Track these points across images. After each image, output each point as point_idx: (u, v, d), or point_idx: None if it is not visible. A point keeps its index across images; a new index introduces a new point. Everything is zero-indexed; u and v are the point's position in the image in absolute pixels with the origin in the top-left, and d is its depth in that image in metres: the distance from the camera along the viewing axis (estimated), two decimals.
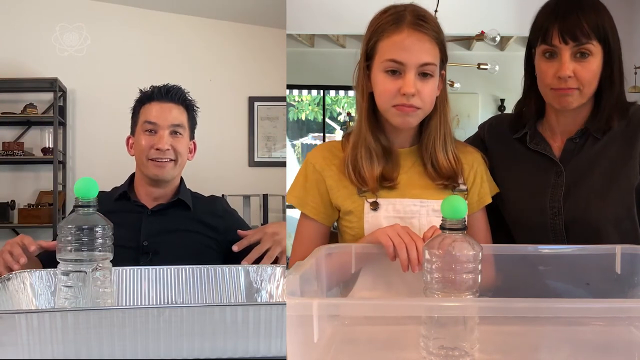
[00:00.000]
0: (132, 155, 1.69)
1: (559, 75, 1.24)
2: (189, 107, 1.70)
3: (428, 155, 1.30)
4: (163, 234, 1.60)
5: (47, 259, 1.47)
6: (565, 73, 1.23)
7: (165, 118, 1.62)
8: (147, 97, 1.66)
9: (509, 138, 1.40)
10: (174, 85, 1.68)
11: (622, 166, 1.28)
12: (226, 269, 1.25)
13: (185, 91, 1.70)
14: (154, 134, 1.62)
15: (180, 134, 1.65)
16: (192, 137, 1.73)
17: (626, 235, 1.26)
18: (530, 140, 1.36)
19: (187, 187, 1.76)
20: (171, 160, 1.63)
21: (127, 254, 1.56)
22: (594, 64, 1.25)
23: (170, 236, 1.61)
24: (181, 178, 1.73)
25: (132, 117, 1.70)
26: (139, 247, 1.58)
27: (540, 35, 1.26)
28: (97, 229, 1.03)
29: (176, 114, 1.65)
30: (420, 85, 1.21)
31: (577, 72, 1.24)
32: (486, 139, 1.46)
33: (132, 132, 1.70)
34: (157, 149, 1.60)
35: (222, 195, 3.45)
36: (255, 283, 1.26)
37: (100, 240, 1.04)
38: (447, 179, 1.29)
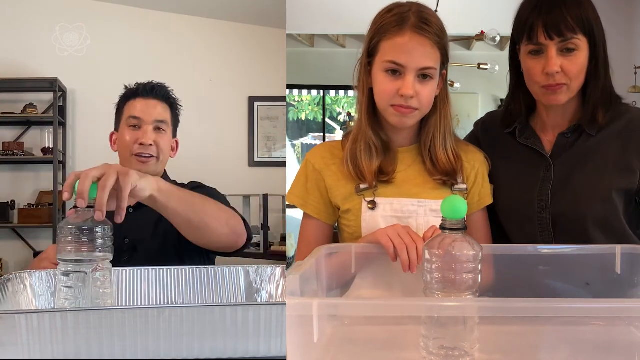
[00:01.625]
0: (115, 151, 1.70)
1: (547, 72, 1.24)
2: (173, 105, 1.71)
3: (427, 152, 1.30)
4: (145, 229, 1.60)
5: None
6: (552, 69, 1.23)
7: (150, 113, 1.63)
8: (132, 93, 1.67)
9: (500, 133, 1.41)
10: (159, 83, 1.69)
11: (614, 166, 1.28)
12: (226, 269, 1.25)
13: (169, 89, 1.71)
14: (138, 129, 1.63)
15: (164, 130, 1.65)
16: (174, 134, 1.74)
17: (612, 234, 1.26)
18: (520, 134, 1.37)
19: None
20: (153, 156, 1.63)
21: (118, 252, 1.57)
22: (581, 57, 1.25)
23: (151, 231, 1.60)
24: (164, 171, 1.73)
25: (117, 113, 1.71)
26: (122, 244, 1.58)
27: (525, 32, 1.26)
28: (97, 230, 1.03)
29: (160, 110, 1.65)
30: (419, 87, 1.22)
31: (564, 66, 1.24)
32: (480, 135, 1.47)
33: (116, 128, 1.71)
34: (141, 144, 1.61)
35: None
36: (255, 283, 1.26)
37: (100, 241, 1.03)
38: (446, 175, 1.29)
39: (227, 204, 1.56)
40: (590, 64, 1.26)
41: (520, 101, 1.37)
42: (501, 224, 1.40)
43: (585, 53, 1.25)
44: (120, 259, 1.54)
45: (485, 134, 1.46)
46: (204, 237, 1.33)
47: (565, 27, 1.22)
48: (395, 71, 1.22)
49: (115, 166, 1.07)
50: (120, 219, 1.06)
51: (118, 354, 0.82)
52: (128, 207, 1.64)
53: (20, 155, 3.91)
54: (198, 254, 1.64)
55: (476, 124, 1.51)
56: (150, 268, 1.24)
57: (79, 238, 1.01)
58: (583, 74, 1.26)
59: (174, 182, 1.72)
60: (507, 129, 1.40)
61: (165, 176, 1.72)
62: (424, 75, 1.22)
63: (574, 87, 1.27)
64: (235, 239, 1.39)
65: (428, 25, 1.21)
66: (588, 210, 1.27)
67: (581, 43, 1.24)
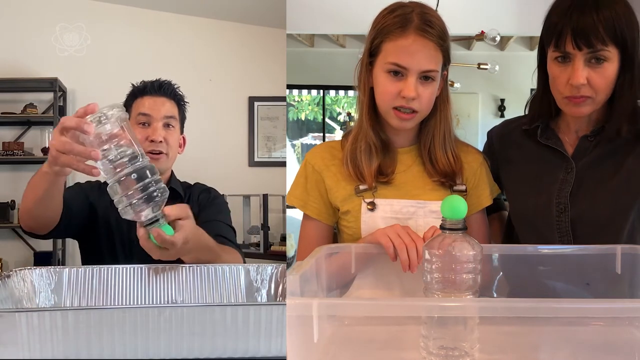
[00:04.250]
0: None
1: (571, 83, 1.17)
2: (180, 102, 1.73)
3: (427, 153, 1.30)
4: None
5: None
6: (578, 81, 1.16)
7: (159, 110, 1.65)
8: (139, 91, 1.69)
9: (518, 134, 1.37)
10: (166, 80, 1.71)
11: (637, 168, 1.22)
12: (226, 267, 1.25)
13: (176, 86, 1.73)
14: (147, 126, 1.64)
15: (173, 126, 1.67)
16: (182, 131, 1.75)
17: (634, 239, 1.23)
18: (541, 134, 1.32)
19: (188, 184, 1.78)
20: (163, 153, 1.64)
21: (124, 246, 1.58)
22: (610, 69, 1.17)
23: None
24: (171, 171, 1.75)
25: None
26: (134, 239, 1.58)
27: (553, 37, 1.19)
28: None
29: (168, 107, 1.67)
30: (421, 89, 1.21)
31: (591, 78, 1.17)
32: (495, 141, 1.43)
33: None
34: (151, 141, 1.62)
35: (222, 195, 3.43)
36: (256, 282, 1.26)
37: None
38: (445, 177, 1.29)
39: (229, 219, 1.65)
40: (621, 76, 1.18)
41: (548, 104, 1.30)
42: (512, 235, 1.37)
43: (615, 65, 1.17)
44: (134, 252, 1.56)
45: (501, 138, 1.42)
46: None
47: (595, 38, 1.14)
48: (397, 72, 1.22)
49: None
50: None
51: (118, 354, 0.82)
52: None
53: (20, 155, 3.91)
54: None
55: (489, 133, 1.47)
56: (151, 266, 1.24)
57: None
58: (611, 87, 1.19)
59: (180, 183, 1.74)
60: (528, 127, 1.34)
61: (172, 177, 1.74)
62: (425, 77, 1.22)
63: (600, 100, 1.20)
64: None
65: (431, 27, 1.20)
66: (609, 215, 1.22)
67: (611, 54, 1.15)
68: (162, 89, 1.68)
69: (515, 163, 1.36)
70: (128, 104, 1.70)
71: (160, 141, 1.62)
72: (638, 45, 1.19)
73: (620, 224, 1.23)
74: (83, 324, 0.81)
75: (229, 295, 1.24)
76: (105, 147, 1.05)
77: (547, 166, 1.30)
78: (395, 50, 1.21)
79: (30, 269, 1.15)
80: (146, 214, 1.09)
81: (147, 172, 1.08)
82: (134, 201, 1.07)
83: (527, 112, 1.38)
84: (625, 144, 1.24)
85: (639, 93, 1.22)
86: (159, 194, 1.09)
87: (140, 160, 1.08)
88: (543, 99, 1.31)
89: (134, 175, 1.06)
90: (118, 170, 1.06)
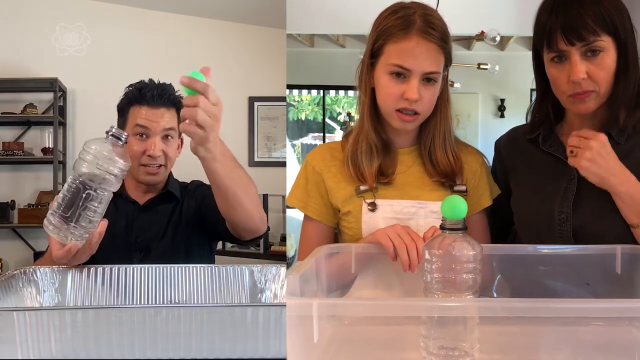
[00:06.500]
0: None
1: (572, 80, 1.16)
2: (178, 107, 1.65)
3: (427, 153, 1.30)
4: (154, 229, 1.60)
5: None
6: (578, 76, 1.14)
7: (158, 123, 1.58)
8: (136, 99, 1.61)
9: (523, 141, 1.35)
10: (165, 89, 1.63)
11: None
12: (230, 268, 1.25)
13: (176, 91, 1.65)
14: (146, 138, 1.58)
15: (172, 137, 1.62)
16: (180, 134, 1.70)
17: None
18: (544, 141, 1.30)
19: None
20: (161, 165, 1.60)
21: (121, 250, 1.57)
22: (608, 59, 1.15)
23: (161, 231, 1.60)
24: (169, 172, 1.71)
25: (120, 116, 1.65)
26: (132, 243, 1.58)
27: (545, 39, 1.18)
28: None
29: (168, 118, 1.61)
30: (423, 91, 1.21)
31: (591, 72, 1.15)
32: (502, 150, 1.42)
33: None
34: (149, 156, 1.57)
35: None
36: (260, 283, 1.26)
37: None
38: (445, 177, 1.29)
39: None
40: (618, 63, 1.16)
41: (547, 110, 1.29)
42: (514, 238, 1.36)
43: (612, 54, 1.15)
44: (133, 257, 1.55)
45: (508, 145, 1.40)
46: (235, 214, 1.33)
47: (585, 30, 1.12)
48: (400, 74, 1.21)
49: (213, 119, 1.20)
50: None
51: (116, 354, 0.82)
52: (138, 206, 1.63)
53: (20, 155, 3.91)
54: (206, 254, 1.65)
55: (497, 142, 1.44)
56: (155, 266, 1.24)
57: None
58: (612, 76, 1.17)
59: (178, 183, 1.72)
60: (529, 136, 1.32)
61: (170, 179, 1.70)
62: (428, 79, 1.22)
63: (603, 93, 1.18)
64: (260, 225, 1.38)
65: (434, 29, 1.20)
66: (612, 224, 1.19)
67: (606, 44, 1.14)
68: (162, 99, 1.60)
69: (520, 170, 1.35)
70: (124, 109, 1.63)
71: (159, 155, 1.58)
72: (628, 30, 1.17)
73: (623, 234, 1.19)
74: (81, 324, 0.81)
75: (233, 296, 1.24)
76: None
77: (551, 174, 1.28)
78: (398, 52, 1.21)
79: (34, 268, 1.15)
80: None
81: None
82: None
83: (527, 121, 1.36)
84: (630, 147, 1.21)
85: (637, 78, 1.20)
86: None
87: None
88: (541, 106, 1.30)
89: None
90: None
